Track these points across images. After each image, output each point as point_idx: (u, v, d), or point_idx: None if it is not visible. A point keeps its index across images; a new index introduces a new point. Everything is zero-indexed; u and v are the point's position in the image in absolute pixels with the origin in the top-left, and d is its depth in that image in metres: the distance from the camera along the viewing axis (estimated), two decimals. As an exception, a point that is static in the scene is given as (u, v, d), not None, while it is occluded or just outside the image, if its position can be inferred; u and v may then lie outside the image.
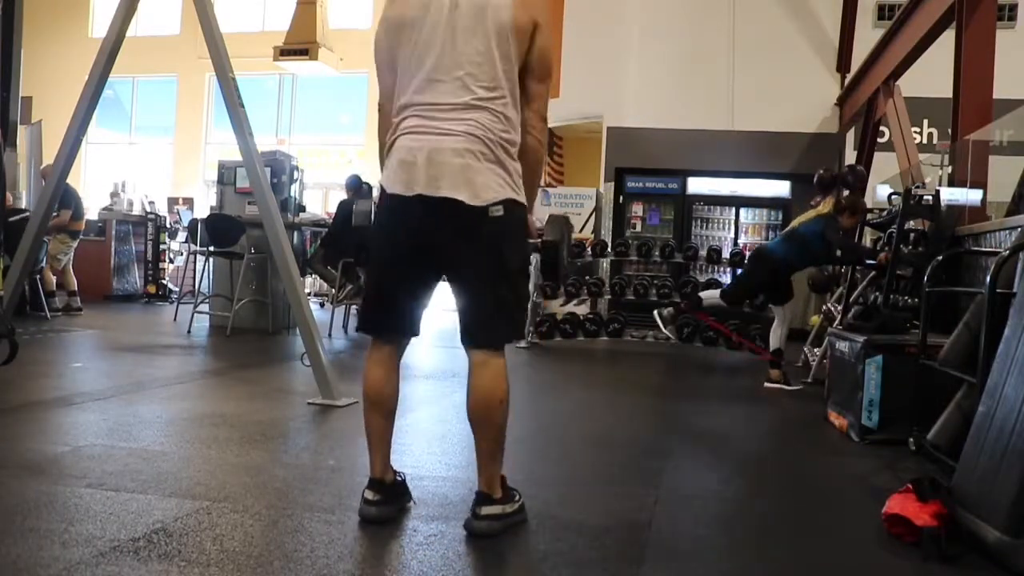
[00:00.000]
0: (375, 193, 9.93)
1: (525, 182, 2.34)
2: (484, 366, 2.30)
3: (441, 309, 11.20)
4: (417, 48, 2.27)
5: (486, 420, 2.31)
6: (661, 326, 5.83)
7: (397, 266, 2.35)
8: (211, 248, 7.62)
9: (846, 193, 5.97)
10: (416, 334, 2.44)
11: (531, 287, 6.97)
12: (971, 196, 5.22)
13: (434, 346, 7.07)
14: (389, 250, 2.36)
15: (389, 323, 2.39)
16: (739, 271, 8.44)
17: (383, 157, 2.40)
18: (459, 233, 2.24)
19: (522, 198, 2.30)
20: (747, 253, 8.40)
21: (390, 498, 2.43)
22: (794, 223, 5.91)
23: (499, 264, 2.28)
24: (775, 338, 5.78)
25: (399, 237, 2.31)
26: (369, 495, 2.39)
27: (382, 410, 2.40)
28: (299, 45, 13.55)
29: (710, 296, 6.07)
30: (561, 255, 2.12)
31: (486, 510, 2.32)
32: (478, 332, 2.31)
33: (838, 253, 5.72)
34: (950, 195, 5.31)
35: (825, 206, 5.71)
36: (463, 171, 2.20)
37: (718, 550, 2.41)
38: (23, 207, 8.18)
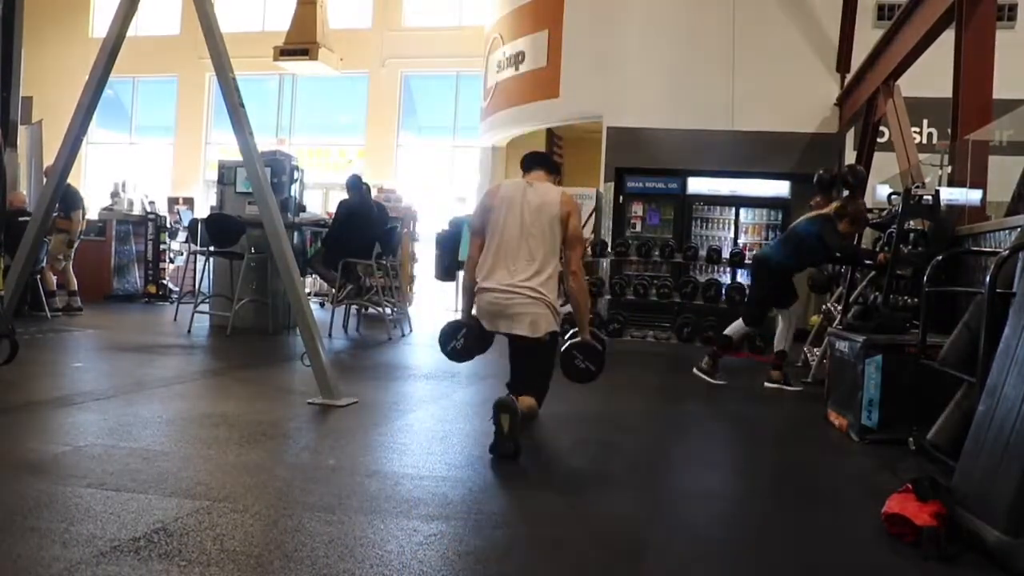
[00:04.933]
0: (374, 193, 9.92)
1: (577, 317, 3.90)
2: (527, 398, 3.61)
3: (443, 309, 11.15)
4: (504, 229, 3.70)
5: (529, 410, 3.60)
6: (708, 379, 5.83)
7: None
8: (211, 248, 7.62)
9: (846, 193, 5.96)
10: None
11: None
12: (971, 196, 5.21)
13: (434, 347, 7.04)
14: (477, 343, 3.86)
15: None
16: (739, 271, 8.47)
17: (469, 285, 3.86)
18: (522, 344, 3.70)
19: (556, 329, 3.77)
20: (747, 253, 8.41)
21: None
22: (794, 223, 5.91)
23: (539, 360, 3.76)
24: (780, 340, 5.78)
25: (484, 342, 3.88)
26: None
27: None
28: (299, 45, 13.56)
29: (736, 330, 5.99)
30: None
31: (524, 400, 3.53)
32: (521, 388, 3.63)
33: (837, 254, 5.71)
34: (950, 195, 5.30)
35: (827, 208, 5.70)
36: (532, 320, 3.64)
37: (718, 550, 2.41)
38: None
